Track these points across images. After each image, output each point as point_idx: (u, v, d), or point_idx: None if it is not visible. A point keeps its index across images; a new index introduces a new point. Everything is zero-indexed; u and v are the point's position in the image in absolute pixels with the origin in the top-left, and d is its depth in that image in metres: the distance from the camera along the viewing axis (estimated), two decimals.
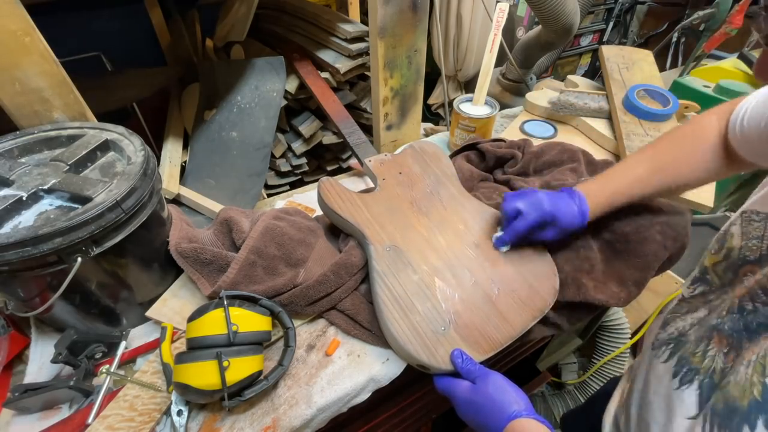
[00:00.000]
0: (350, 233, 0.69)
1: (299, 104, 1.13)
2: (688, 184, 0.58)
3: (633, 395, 0.50)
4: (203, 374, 0.48)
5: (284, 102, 1.08)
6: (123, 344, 0.58)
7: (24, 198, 0.50)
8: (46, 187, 0.51)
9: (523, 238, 0.60)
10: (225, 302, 0.52)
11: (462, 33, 1.54)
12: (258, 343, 0.54)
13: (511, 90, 1.62)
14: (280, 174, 1.17)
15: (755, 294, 0.36)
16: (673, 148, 0.57)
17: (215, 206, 0.83)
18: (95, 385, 0.54)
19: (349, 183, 0.93)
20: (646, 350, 0.51)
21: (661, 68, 1.01)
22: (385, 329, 0.57)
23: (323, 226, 0.74)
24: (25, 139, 0.57)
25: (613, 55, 1.12)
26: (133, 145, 0.58)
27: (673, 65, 2.38)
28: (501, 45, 1.12)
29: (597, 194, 0.59)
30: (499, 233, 0.63)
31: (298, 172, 1.18)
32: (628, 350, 1.31)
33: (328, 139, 1.17)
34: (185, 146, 1.00)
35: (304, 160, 1.16)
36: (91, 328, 0.58)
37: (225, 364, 0.48)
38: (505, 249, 0.63)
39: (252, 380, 0.51)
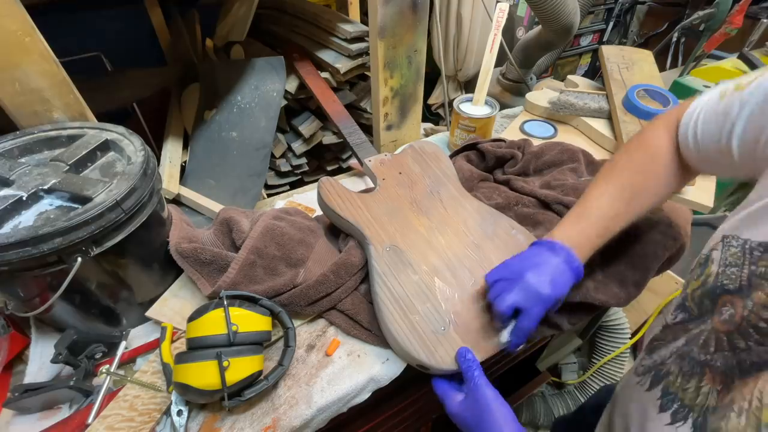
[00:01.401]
0: (350, 233, 0.69)
1: (299, 104, 1.13)
2: (655, 205, 0.56)
3: (615, 421, 0.49)
4: (203, 374, 0.48)
5: (284, 102, 1.08)
6: (123, 344, 0.57)
7: (24, 198, 0.50)
8: (46, 187, 0.51)
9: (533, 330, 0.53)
10: (225, 302, 0.52)
11: (462, 33, 1.54)
12: (258, 343, 0.54)
13: (511, 90, 1.62)
14: (280, 174, 1.17)
15: (746, 332, 0.34)
16: (636, 177, 0.54)
17: (215, 206, 0.83)
18: (95, 385, 0.54)
19: (349, 183, 0.93)
20: (628, 374, 0.50)
21: (661, 68, 1.01)
22: (385, 329, 0.57)
23: (323, 226, 0.74)
24: (25, 139, 0.57)
25: (613, 55, 1.12)
26: (133, 145, 0.58)
27: (673, 65, 2.37)
28: (501, 45, 1.12)
29: (582, 244, 0.53)
30: (506, 337, 0.53)
31: (298, 172, 1.18)
32: (628, 350, 1.31)
33: (328, 139, 1.17)
34: (185, 146, 1.00)
35: (304, 160, 1.16)
36: (91, 328, 0.58)
37: (225, 364, 0.48)
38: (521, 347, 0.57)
39: (252, 380, 0.51)
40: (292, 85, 1.07)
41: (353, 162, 0.96)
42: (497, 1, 1.33)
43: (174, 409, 0.51)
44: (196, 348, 0.50)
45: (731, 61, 1.54)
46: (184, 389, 0.49)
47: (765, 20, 1.62)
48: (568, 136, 0.98)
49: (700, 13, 1.36)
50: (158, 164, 0.79)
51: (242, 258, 0.60)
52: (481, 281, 0.59)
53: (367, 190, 0.75)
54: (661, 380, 0.42)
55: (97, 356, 0.57)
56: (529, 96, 1.07)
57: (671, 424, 0.39)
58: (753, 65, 1.48)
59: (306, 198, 0.88)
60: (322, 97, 1.00)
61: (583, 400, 1.38)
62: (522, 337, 0.53)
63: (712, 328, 0.38)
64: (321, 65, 1.10)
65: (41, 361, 0.56)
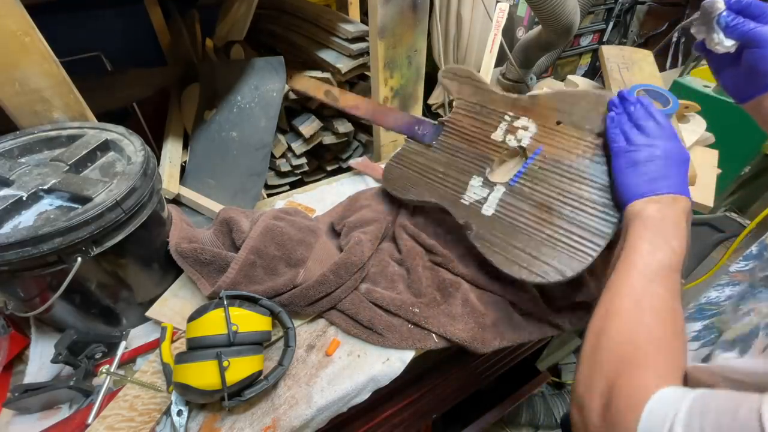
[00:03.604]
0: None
1: (299, 104, 1.13)
2: None
3: None
4: (203, 374, 0.48)
5: (284, 102, 1.08)
6: (123, 344, 0.57)
7: (24, 198, 0.50)
8: (46, 187, 0.51)
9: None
10: (225, 302, 0.52)
11: (462, 33, 1.54)
12: (258, 343, 0.54)
13: (511, 90, 1.62)
14: (280, 174, 1.17)
15: None
16: None
17: (215, 206, 0.83)
18: (95, 385, 0.54)
19: (350, 183, 0.93)
20: None
21: (661, 68, 1.01)
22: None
23: (323, 226, 0.74)
24: (25, 139, 0.57)
25: (613, 55, 1.12)
26: (133, 145, 0.58)
27: (673, 65, 2.37)
28: (501, 45, 1.12)
29: None
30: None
31: (298, 172, 1.18)
32: None
33: (328, 139, 1.17)
34: (185, 146, 1.00)
35: (304, 160, 1.16)
36: (91, 328, 0.58)
37: (225, 364, 0.48)
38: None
39: (252, 380, 0.51)
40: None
41: (353, 162, 0.96)
42: (497, 1, 1.33)
43: (174, 409, 0.51)
44: (196, 348, 0.50)
45: None
46: (184, 389, 0.49)
47: None
48: None
49: None
50: (158, 164, 0.79)
51: (242, 258, 0.60)
52: None
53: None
54: (705, 318, 0.46)
55: (97, 356, 0.57)
56: None
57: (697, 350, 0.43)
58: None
59: (306, 198, 0.88)
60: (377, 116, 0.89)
61: None
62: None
63: None
64: (321, 65, 1.10)
65: (41, 361, 0.56)
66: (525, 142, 0.64)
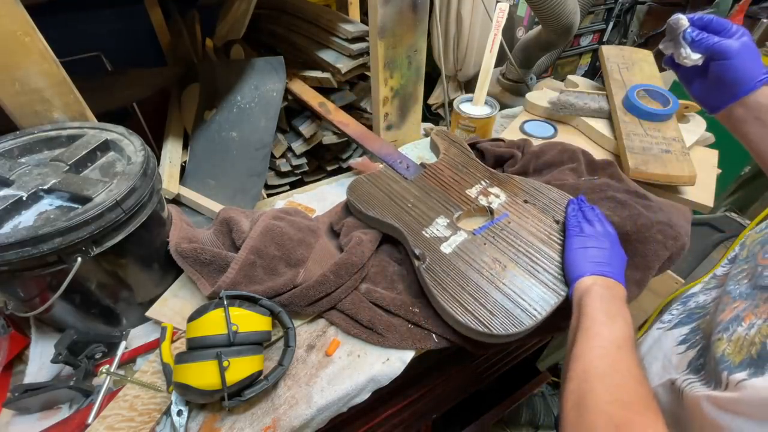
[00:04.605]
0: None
1: (299, 104, 1.13)
2: None
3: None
4: (203, 374, 0.48)
5: (284, 102, 1.08)
6: (123, 344, 0.57)
7: (24, 198, 0.50)
8: (46, 187, 0.51)
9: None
10: (225, 302, 0.52)
11: (462, 33, 1.54)
12: (258, 343, 0.54)
13: (511, 90, 1.62)
14: (280, 174, 1.17)
15: None
16: None
17: (215, 206, 0.83)
18: (95, 385, 0.54)
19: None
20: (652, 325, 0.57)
21: (661, 68, 1.01)
22: None
23: (323, 226, 0.74)
24: (25, 139, 0.57)
25: (613, 55, 1.12)
26: (133, 145, 0.58)
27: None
28: (501, 45, 1.12)
29: None
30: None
31: (298, 172, 1.18)
32: None
33: (328, 139, 1.17)
34: (185, 146, 1.00)
35: (304, 160, 1.16)
36: (91, 328, 0.58)
37: (225, 364, 0.48)
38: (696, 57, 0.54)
39: (252, 380, 0.51)
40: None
41: (353, 162, 0.96)
42: (497, 1, 1.33)
43: (174, 409, 0.51)
44: (196, 348, 0.50)
45: None
46: (184, 389, 0.49)
47: (765, 20, 1.62)
48: (568, 136, 0.98)
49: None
50: (158, 164, 0.79)
51: (242, 258, 0.60)
52: None
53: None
54: (692, 321, 0.49)
55: (97, 356, 0.57)
56: (529, 96, 1.07)
57: (683, 353, 0.46)
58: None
59: (306, 198, 0.88)
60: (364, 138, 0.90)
61: None
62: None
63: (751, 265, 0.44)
64: (321, 65, 1.10)
65: (41, 361, 0.56)
66: (494, 206, 0.71)
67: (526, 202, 0.70)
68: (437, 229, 0.67)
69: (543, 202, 0.70)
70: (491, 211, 0.70)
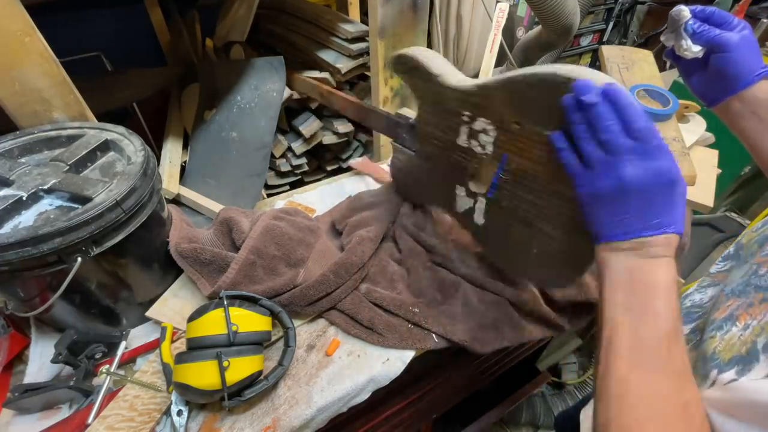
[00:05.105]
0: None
1: (299, 104, 1.13)
2: None
3: None
4: (203, 374, 0.48)
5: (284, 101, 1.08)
6: (123, 344, 0.57)
7: (24, 198, 0.50)
8: (46, 187, 0.51)
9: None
10: (225, 302, 0.52)
11: (462, 33, 1.54)
12: (258, 343, 0.54)
13: None
14: (280, 174, 1.17)
15: None
16: None
17: (215, 206, 0.83)
18: (95, 385, 0.54)
19: (350, 183, 0.93)
20: None
21: (661, 68, 1.01)
22: None
23: (323, 226, 0.74)
24: (25, 139, 0.57)
25: (613, 55, 1.12)
26: (133, 145, 0.58)
27: (674, 65, 2.37)
28: (501, 45, 1.12)
29: None
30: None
31: (298, 172, 1.18)
32: None
33: (328, 139, 1.17)
34: (185, 146, 1.00)
35: (304, 160, 1.16)
36: (91, 328, 0.58)
37: (225, 364, 0.48)
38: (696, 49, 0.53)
39: (252, 380, 0.51)
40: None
41: (353, 162, 0.96)
42: (497, 1, 1.33)
43: (174, 409, 0.51)
44: (196, 348, 0.50)
45: None
46: (184, 389, 0.49)
47: (765, 20, 1.62)
48: None
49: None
50: (158, 164, 0.79)
51: (242, 258, 0.60)
52: None
53: None
54: (693, 321, 0.48)
55: (97, 356, 0.57)
56: None
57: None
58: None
59: (306, 198, 0.88)
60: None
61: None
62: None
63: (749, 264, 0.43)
64: (321, 65, 1.10)
65: (41, 361, 0.56)
66: (489, 149, 0.54)
67: (518, 124, 0.48)
68: (463, 203, 0.63)
69: (534, 111, 0.46)
70: (491, 159, 0.54)
